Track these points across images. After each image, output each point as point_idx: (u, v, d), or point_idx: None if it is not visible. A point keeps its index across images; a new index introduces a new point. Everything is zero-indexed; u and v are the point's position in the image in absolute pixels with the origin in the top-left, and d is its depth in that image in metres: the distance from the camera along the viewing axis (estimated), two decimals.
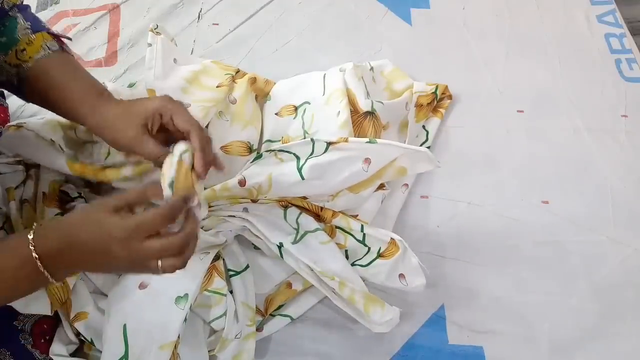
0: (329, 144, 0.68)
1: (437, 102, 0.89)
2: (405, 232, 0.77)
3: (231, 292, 0.68)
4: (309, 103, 0.82)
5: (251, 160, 0.70)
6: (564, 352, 0.69)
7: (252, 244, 0.73)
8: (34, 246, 0.48)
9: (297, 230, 0.70)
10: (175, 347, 0.60)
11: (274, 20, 1.04)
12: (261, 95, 0.86)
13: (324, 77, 0.84)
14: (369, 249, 0.71)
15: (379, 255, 0.70)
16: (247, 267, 0.71)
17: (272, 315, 0.70)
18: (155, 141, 0.58)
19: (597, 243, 0.78)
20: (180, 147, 0.55)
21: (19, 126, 0.71)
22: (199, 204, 0.54)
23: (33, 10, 0.82)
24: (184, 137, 0.58)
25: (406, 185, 0.80)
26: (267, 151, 0.69)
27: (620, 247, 0.77)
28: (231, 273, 0.70)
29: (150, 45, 0.76)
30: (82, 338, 0.64)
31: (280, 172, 0.68)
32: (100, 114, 0.59)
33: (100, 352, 0.61)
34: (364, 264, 0.70)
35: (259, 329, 0.69)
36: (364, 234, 0.71)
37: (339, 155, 0.68)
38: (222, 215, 0.70)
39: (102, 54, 0.98)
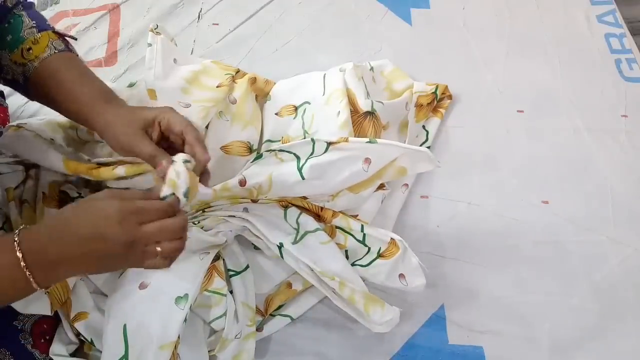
0: (329, 144, 0.68)
1: (437, 102, 0.89)
2: (405, 232, 0.77)
3: (231, 292, 0.68)
4: (309, 103, 0.82)
5: (251, 160, 0.70)
6: (564, 352, 0.69)
7: (252, 244, 0.73)
8: (18, 243, 0.47)
9: (297, 230, 0.70)
10: (175, 347, 0.60)
11: (273, 20, 1.04)
12: (261, 95, 0.86)
13: (324, 77, 0.84)
14: (369, 249, 0.71)
15: (379, 255, 0.70)
16: (247, 267, 0.71)
17: (272, 315, 0.70)
18: (152, 142, 0.59)
19: (597, 243, 0.78)
20: (182, 156, 0.57)
21: (19, 126, 0.71)
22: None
23: None
24: (183, 142, 0.59)
25: (406, 185, 0.80)
26: (267, 151, 0.69)
27: (620, 247, 0.77)
28: (231, 273, 0.70)
29: (150, 45, 0.76)
30: (82, 338, 0.64)
31: (281, 172, 0.68)
32: (105, 117, 0.60)
33: (100, 352, 0.61)
34: (364, 264, 0.70)
35: (259, 329, 0.69)
36: (364, 234, 0.71)
37: (339, 155, 0.67)
38: (222, 215, 0.70)
39: (102, 54, 0.98)
